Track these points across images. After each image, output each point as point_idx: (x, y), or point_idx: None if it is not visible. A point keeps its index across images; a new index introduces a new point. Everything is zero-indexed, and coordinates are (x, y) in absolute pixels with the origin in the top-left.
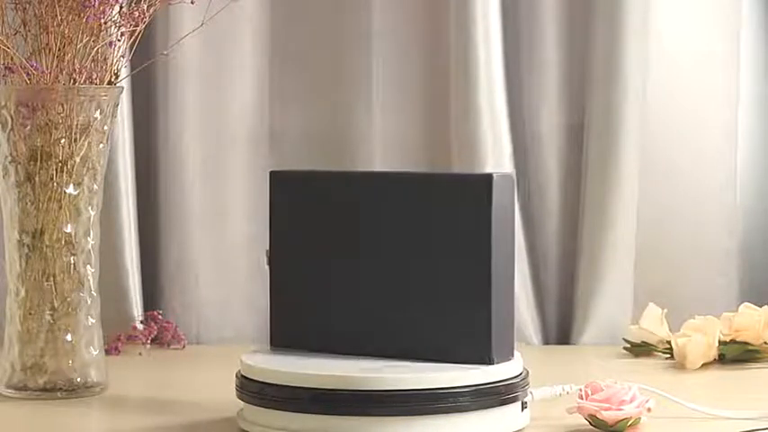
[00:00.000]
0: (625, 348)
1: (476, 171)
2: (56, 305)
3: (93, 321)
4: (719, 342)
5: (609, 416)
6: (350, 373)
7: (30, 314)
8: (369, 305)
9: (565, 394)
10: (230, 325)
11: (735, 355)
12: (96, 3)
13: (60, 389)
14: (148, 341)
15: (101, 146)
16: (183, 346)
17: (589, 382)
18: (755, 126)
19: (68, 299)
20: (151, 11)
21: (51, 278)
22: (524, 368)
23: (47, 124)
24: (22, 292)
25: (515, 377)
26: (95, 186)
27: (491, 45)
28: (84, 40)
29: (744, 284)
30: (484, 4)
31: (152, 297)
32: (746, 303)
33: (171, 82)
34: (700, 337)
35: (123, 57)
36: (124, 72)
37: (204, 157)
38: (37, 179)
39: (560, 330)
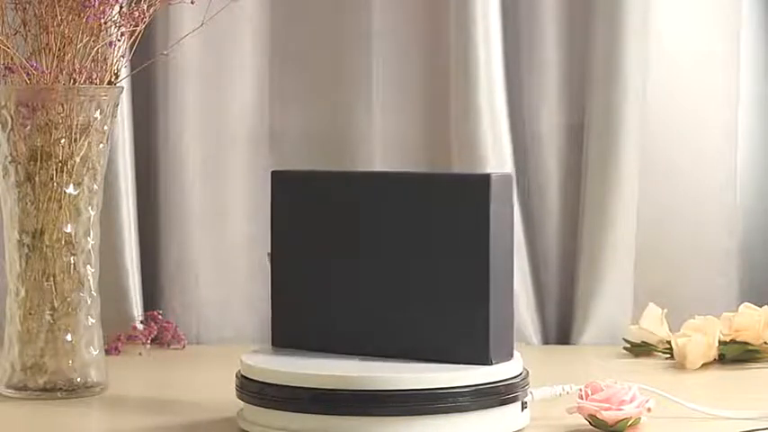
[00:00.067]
0: (625, 348)
1: (476, 171)
2: (56, 305)
3: (93, 321)
4: (719, 342)
5: (609, 416)
6: (350, 373)
7: (30, 314)
8: (369, 305)
9: (565, 394)
10: (230, 325)
11: (735, 355)
12: (96, 3)
13: (60, 389)
14: (148, 341)
15: (101, 146)
16: (183, 346)
17: (589, 382)
18: (755, 126)
19: (68, 299)
20: (151, 11)
21: (51, 278)
22: (524, 368)
23: (47, 124)
24: (22, 292)
25: (515, 377)
26: (95, 186)
27: (491, 45)
28: (84, 40)
29: (744, 284)
30: (484, 4)
31: (152, 297)
32: (746, 303)
33: (171, 82)
34: (700, 337)
35: (123, 57)
36: (124, 72)
37: (204, 157)
38: (37, 179)
39: (560, 330)
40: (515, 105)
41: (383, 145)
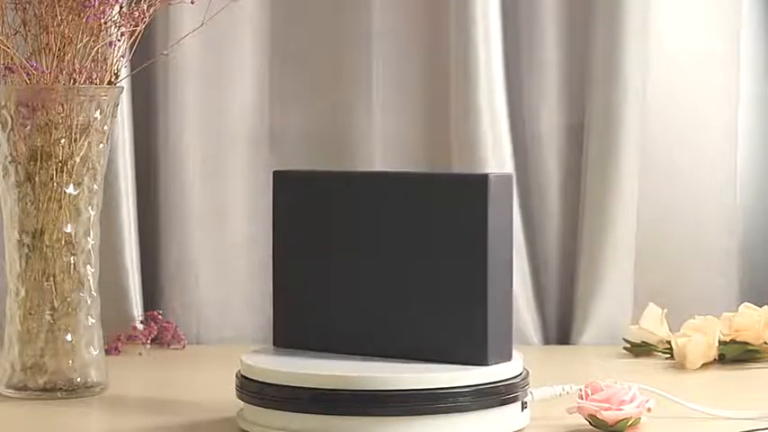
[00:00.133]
0: (625, 348)
1: (476, 171)
2: (56, 305)
3: (93, 321)
4: (719, 342)
5: (609, 416)
6: (350, 373)
7: (30, 314)
8: (369, 305)
9: (565, 394)
10: (230, 325)
11: (735, 355)
12: (96, 3)
13: (60, 389)
14: (148, 341)
15: (101, 146)
16: (183, 346)
17: (589, 382)
18: (755, 126)
19: (68, 299)
20: (151, 11)
21: (51, 278)
22: (524, 368)
23: (47, 124)
24: (22, 292)
25: (515, 377)
26: (95, 186)
27: (491, 45)
28: (84, 40)
29: (744, 284)
30: (484, 4)
31: (152, 297)
32: (746, 303)
33: (171, 82)
34: (700, 337)
35: (123, 57)
36: (124, 72)
37: (204, 157)
38: (37, 179)
39: (560, 330)
40: (515, 105)
41: (383, 145)
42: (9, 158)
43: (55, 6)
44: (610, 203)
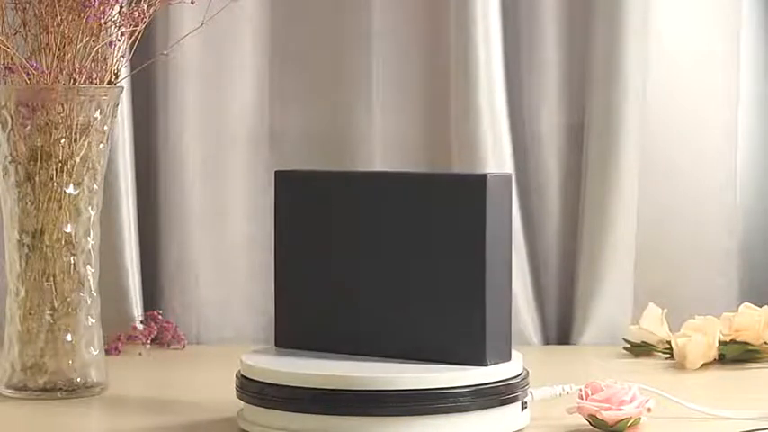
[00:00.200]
0: (625, 348)
1: (476, 171)
2: (56, 305)
3: (93, 321)
4: (719, 342)
5: (609, 416)
6: (350, 373)
7: (30, 314)
8: (369, 305)
9: (565, 394)
10: (230, 325)
11: (735, 355)
12: (96, 3)
13: (60, 389)
14: (148, 341)
15: (101, 146)
16: (183, 346)
17: (589, 382)
18: (755, 126)
19: (68, 299)
20: (151, 11)
21: (51, 278)
22: (524, 368)
23: (47, 124)
24: (22, 292)
25: (515, 377)
26: (95, 186)
27: (491, 45)
28: (84, 40)
29: (744, 284)
30: (484, 4)
31: (152, 297)
32: (746, 303)
33: (171, 82)
34: (700, 337)
35: (123, 57)
36: (124, 72)
37: (204, 157)
38: (37, 179)
39: (560, 330)
40: (515, 105)
41: (383, 145)
42: (9, 158)
43: (55, 6)
44: (610, 203)
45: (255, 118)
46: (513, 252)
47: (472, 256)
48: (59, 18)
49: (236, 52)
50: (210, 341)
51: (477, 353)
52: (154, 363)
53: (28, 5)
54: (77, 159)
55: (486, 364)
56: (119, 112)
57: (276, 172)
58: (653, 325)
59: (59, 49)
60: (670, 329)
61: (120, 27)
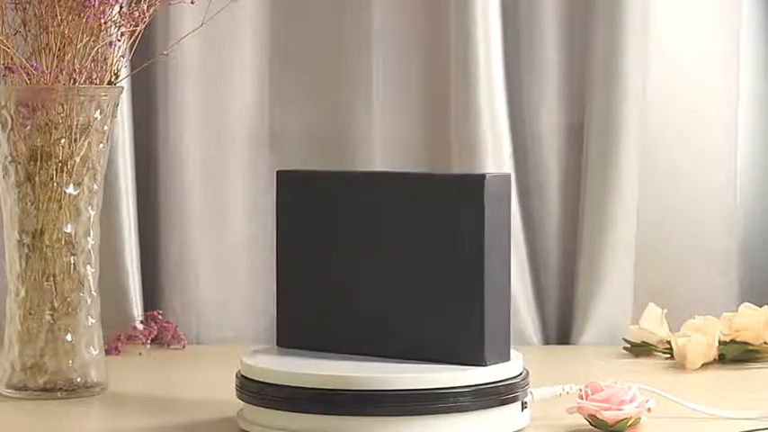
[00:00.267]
0: (625, 348)
1: (476, 171)
2: (56, 305)
3: (93, 321)
4: (719, 342)
5: (609, 416)
6: (349, 373)
7: (30, 314)
8: (369, 305)
9: (565, 394)
10: (230, 325)
11: (735, 355)
12: (96, 3)
13: (60, 389)
14: (148, 341)
15: (101, 146)
16: (183, 346)
17: (589, 382)
18: (755, 126)
19: (68, 299)
20: (151, 11)
21: (51, 278)
22: (524, 368)
23: (47, 124)
24: (22, 292)
25: (515, 377)
26: (95, 186)
27: (491, 45)
28: (84, 40)
29: (744, 284)
30: (484, 4)
31: (152, 297)
32: (746, 303)
33: (171, 82)
34: (700, 337)
35: (123, 57)
36: (124, 72)
37: (204, 157)
38: (37, 179)
39: (560, 330)
40: (515, 105)
41: (383, 145)
42: (9, 158)
43: (55, 6)
44: (610, 203)
45: (255, 118)
46: (513, 252)
47: (471, 255)
48: (59, 18)
49: (236, 52)
50: (210, 341)
51: (477, 353)
52: (154, 363)
53: (28, 5)
54: (77, 159)
55: (486, 365)
56: (119, 112)
57: (278, 172)
58: (653, 325)
59: (59, 49)
60: (670, 329)
61: (120, 27)
